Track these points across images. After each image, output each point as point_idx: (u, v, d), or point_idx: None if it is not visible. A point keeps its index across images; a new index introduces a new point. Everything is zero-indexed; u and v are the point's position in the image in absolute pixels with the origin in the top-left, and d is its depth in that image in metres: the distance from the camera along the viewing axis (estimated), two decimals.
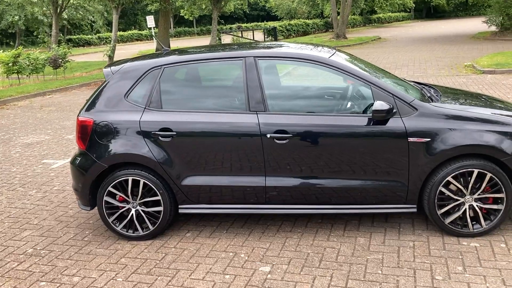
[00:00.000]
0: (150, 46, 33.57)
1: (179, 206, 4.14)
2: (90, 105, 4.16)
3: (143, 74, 4.09)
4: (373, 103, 3.78)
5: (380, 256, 3.67)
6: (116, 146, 4.03)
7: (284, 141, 3.82)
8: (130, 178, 4.06)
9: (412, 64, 15.46)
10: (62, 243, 4.24)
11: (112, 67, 4.23)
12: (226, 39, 25.64)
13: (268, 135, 3.82)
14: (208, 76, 4.37)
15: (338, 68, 3.88)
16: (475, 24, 33.28)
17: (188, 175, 4.02)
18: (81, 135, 4.13)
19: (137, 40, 45.73)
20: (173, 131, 3.94)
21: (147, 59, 4.27)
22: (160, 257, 3.88)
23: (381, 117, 3.66)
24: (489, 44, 20.51)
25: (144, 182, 4.05)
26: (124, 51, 29.58)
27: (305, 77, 4.48)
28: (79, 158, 4.20)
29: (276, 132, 3.82)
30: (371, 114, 3.74)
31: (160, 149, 3.98)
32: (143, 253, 3.96)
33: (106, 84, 4.16)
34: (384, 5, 43.30)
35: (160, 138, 3.96)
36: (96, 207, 4.25)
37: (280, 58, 4.12)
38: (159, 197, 4.07)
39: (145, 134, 3.99)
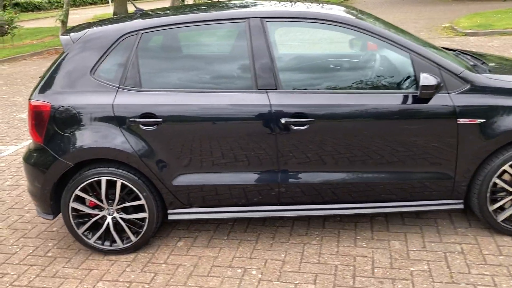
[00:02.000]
0: (107, 10, 31.38)
1: (168, 211, 3.28)
2: (45, 85, 3.17)
3: (115, 43, 3.12)
4: (410, 76, 3.01)
5: (426, 266, 2.96)
6: (83, 138, 3.10)
7: (303, 127, 3.00)
8: (103, 179, 3.15)
9: None
10: (19, 262, 3.32)
11: (72, 34, 3.23)
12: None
13: (283, 120, 2.98)
14: (201, 44, 3.43)
15: (370, 31, 3.04)
16: None
17: (179, 172, 3.15)
18: (35, 124, 3.16)
19: (91, 4, 42.93)
20: (158, 117, 3.04)
21: (118, 23, 3.30)
22: (149, 278, 3.05)
23: (430, 94, 2.88)
24: (460, 5, 20.00)
25: (122, 183, 3.15)
26: (77, 15, 27.37)
27: (324, 44, 3.62)
28: (35, 154, 3.24)
29: (293, 115, 2.99)
30: (411, 90, 2.97)
31: (141, 141, 3.07)
32: (126, 274, 3.11)
33: (65, 56, 3.17)
34: None
35: (141, 126, 3.05)
36: (60, 215, 3.35)
37: (295, 20, 3.18)
38: (142, 201, 3.19)
39: (121, 122, 3.06)
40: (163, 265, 3.18)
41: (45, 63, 12.76)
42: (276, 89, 3.02)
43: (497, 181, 3.05)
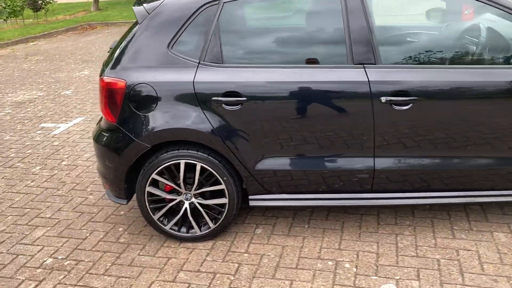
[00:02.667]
0: None
1: (250, 197, 3.04)
2: (118, 60, 2.92)
3: (194, 14, 2.84)
4: None
5: None
6: (162, 118, 2.86)
7: (406, 107, 2.69)
8: (182, 162, 2.92)
9: None
10: (91, 248, 3.15)
11: (146, 5, 2.97)
12: None
13: (383, 99, 2.68)
14: (288, 15, 3.12)
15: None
16: None
17: (263, 156, 2.89)
18: (108, 103, 2.93)
19: None
20: (242, 96, 2.77)
21: None
22: (233, 269, 2.84)
23: None
24: None
25: (202, 166, 2.92)
26: None
27: (423, 9, 3.25)
28: (107, 135, 3.03)
29: (395, 94, 2.68)
30: None
31: (224, 121, 2.82)
32: (207, 263, 2.91)
33: (139, 29, 2.91)
34: None
35: (224, 106, 2.80)
36: (134, 199, 3.16)
37: None
38: (222, 186, 2.96)
39: (203, 101, 2.81)
40: (245, 254, 2.96)
41: (80, 38, 12.65)
42: (374, 63, 2.71)
43: None
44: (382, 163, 2.83)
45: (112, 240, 3.23)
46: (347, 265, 2.79)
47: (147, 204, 3.05)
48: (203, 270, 2.84)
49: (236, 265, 2.87)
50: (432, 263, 2.74)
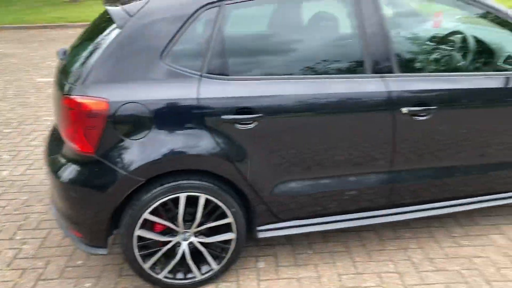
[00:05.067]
0: None
1: (258, 229, 2.65)
2: (91, 73, 2.30)
3: (191, 17, 2.37)
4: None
5: None
6: (160, 144, 2.31)
7: (425, 117, 2.59)
8: (182, 196, 2.41)
9: None
10: None
11: (126, 6, 2.39)
12: None
13: (404, 110, 2.54)
14: (296, 19, 2.76)
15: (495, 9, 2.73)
16: None
17: (279, 180, 2.54)
18: (83, 129, 2.29)
19: None
20: (256, 112, 2.38)
21: None
22: None
23: None
24: None
25: (207, 198, 2.45)
26: None
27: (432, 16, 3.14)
28: (81, 169, 2.37)
29: (416, 104, 2.56)
30: None
31: (235, 143, 2.40)
32: None
33: (120, 34, 2.33)
34: None
35: (236, 125, 2.38)
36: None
37: None
38: (230, 219, 2.52)
39: (209, 120, 2.35)
40: None
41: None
42: (392, 73, 2.56)
43: None
44: (399, 178, 2.69)
45: None
46: None
47: (136, 251, 2.46)
48: None
49: None
50: (456, 275, 2.67)
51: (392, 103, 2.52)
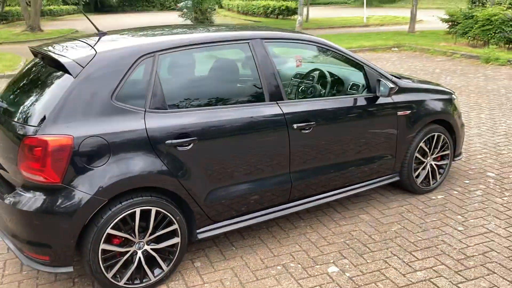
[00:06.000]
0: None
1: (198, 231, 3.25)
2: (55, 115, 2.72)
3: (132, 65, 2.96)
4: (359, 84, 3.95)
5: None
6: (119, 168, 2.82)
7: (309, 130, 3.53)
8: (138, 210, 2.93)
9: None
10: None
11: (76, 58, 2.87)
12: None
13: (295, 126, 3.45)
14: (215, 64, 3.50)
15: (338, 50, 3.83)
16: (168, 17, 34.78)
17: (211, 188, 3.20)
18: (52, 162, 2.68)
19: None
20: (192, 136, 3.05)
21: (127, 44, 3.15)
22: None
23: (392, 94, 3.84)
24: None
25: (157, 210, 3.00)
26: None
27: (293, 60, 4.13)
28: (45, 197, 2.73)
29: (301, 121, 3.49)
30: (375, 93, 3.86)
31: (177, 162, 3.02)
32: None
33: (75, 81, 2.80)
34: None
35: (177, 147, 3.00)
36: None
37: (286, 41, 3.68)
38: (175, 226, 3.10)
39: (157, 146, 2.94)
40: (206, 284, 3.16)
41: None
42: (283, 99, 3.46)
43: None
44: (296, 177, 3.57)
45: None
46: (292, 265, 3.37)
47: (101, 263, 2.87)
48: None
49: None
50: (343, 245, 3.61)
51: (286, 121, 3.41)
